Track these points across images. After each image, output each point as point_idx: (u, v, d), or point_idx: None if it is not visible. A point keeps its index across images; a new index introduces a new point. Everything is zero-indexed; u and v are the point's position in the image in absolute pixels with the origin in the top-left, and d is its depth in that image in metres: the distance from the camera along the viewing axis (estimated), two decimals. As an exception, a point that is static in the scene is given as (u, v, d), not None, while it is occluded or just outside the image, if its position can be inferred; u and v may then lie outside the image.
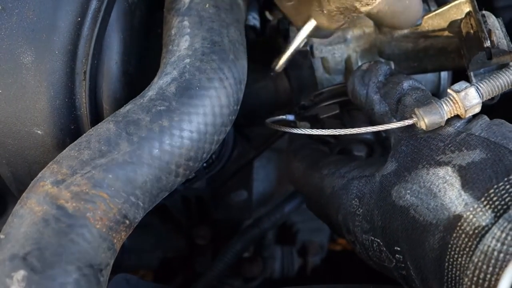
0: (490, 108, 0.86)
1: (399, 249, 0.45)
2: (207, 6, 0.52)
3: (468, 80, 0.53)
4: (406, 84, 0.51)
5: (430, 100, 0.47)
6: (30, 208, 0.40)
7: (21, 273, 0.36)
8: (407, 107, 0.49)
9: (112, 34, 0.55)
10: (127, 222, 0.43)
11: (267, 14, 0.96)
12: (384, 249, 0.47)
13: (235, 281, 1.03)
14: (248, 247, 0.94)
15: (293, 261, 1.04)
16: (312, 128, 0.64)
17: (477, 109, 0.46)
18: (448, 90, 0.46)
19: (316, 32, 0.56)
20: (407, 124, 0.47)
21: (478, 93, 0.45)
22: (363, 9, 0.47)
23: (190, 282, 0.93)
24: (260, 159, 0.96)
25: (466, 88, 0.45)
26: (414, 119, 0.46)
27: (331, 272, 1.08)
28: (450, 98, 0.46)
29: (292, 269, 1.03)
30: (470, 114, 0.46)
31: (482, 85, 0.45)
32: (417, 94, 0.50)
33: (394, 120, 0.50)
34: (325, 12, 0.50)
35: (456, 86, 0.46)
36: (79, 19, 0.52)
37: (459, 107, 0.45)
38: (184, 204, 0.88)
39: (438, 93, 0.72)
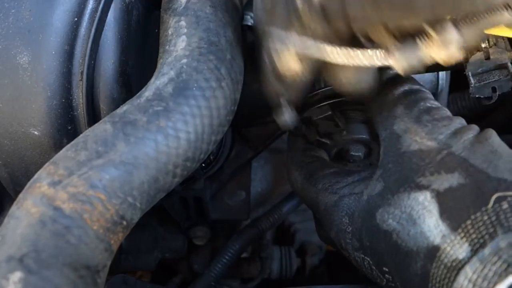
0: (490, 109, 0.87)
1: (387, 270, 0.45)
2: (204, 6, 0.52)
3: (466, 80, 0.53)
4: (398, 91, 0.50)
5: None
6: (27, 210, 0.39)
7: (17, 275, 0.36)
8: (396, 118, 0.48)
9: (109, 34, 0.55)
10: (124, 223, 0.42)
11: (265, 14, 0.96)
12: (374, 267, 0.47)
13: (233, 282, 1.03)
14: (246, 248, 0.94)
15: (292, 261, 1.04)
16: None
17: None
18: None
19: None
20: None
21: None
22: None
23: (188, 282, 0.93)
24: (258, 160, 0.96)
25: None
26: None
27: (329, 272, 1.08)
28: None
29: (290, 269, 1.03)
30: None
31: None
32: (407, 101, 0.49)
33: (382, 131, 0.50)
34: None
35: None
36: (76, 19, 0.52)
37: None
38: (182, 204, 0.88)
39: (436, 93, 0.72)
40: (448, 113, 0.48)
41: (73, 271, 0.37)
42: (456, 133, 0.44)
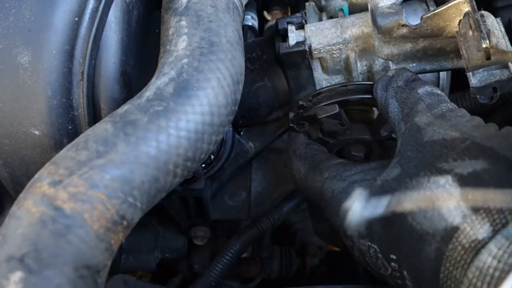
0: (491, 108, 0.87)
1: (395, 257, 0.45)
2: (205, 6, 0.52)
3: (467, 80, 0.53)
4: (421, 90, 0.51)
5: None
6: (27, 209, 0.39)
7: (18, 274, 0.36)
8: (418, 113, 0.49)
9: (110, 34, 0.55)
10: (125, 223, 0.42)
11: (265, 14, 0.97)
12: (380, 256, 0.47)
13: (233, 282, 1.03)
14: (246, 248, 0.94)
15: (292, 261, 1.03)
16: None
17: None
18: None
19: None
20: None
21: None
22: None
23: (188, 282, 0.93)
24: (259, 160, 0.95)
25: None
26: None
27: (329, 273, 1.08)
28: None
29: (290, 269, 1.03)
30: None
31: None
32: (431, 100, 0.50)
33: (403, 125, 0.50)
34: None
35: None
36: (77, 19, 0.52)
37: None
38: (182, 204, 0.88)
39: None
40: (469, 114, 0.49)
41: (73, 271, 0.37)
42: (479, 126, 0.45)
